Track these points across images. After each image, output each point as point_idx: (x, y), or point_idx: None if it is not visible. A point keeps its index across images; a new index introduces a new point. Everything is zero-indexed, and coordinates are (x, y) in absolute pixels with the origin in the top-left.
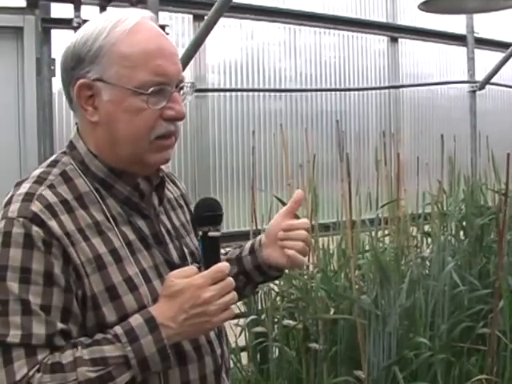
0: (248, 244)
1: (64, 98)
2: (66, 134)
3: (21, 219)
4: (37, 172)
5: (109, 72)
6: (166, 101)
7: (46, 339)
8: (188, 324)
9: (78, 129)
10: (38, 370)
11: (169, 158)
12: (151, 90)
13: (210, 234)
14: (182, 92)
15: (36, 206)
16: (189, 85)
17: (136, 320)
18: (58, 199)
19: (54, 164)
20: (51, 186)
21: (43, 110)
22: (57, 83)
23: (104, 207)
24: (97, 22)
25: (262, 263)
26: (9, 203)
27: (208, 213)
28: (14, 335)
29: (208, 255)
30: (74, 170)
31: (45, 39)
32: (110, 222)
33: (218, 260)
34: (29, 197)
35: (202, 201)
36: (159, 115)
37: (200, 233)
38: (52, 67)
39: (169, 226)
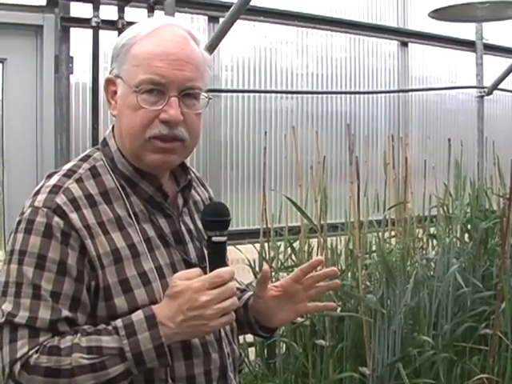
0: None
1: (80, 94)
2: (81, 131)
3: (44, 209)
4: (68, 165)
5: (122, 69)
6: (164, 104)
7: (50, 324)
8: (186, 325)
9: (113, 127)
10: (37, 351)
11: (168, 161)
12: (140, 87)
13: (215, 239)
14: (193, 101)
15: (61, 199)
16: (203, 96)
17: (137, 315)
18: (83, 193)
19: (85, 158)
20: (79, 180)
21: (60, 106)
22: (74, 80)
23: (127, 204)
24: (133, 26)
25: (254, 321)
26: (37, 193)
27: (215, 218)
28: (22, 316)
29: (212, 260)
30: (104, 166)
31: (64, 37)
32: (131, 218)
33: (223, 265)
34: (56, 189)
35: (210, 205)
36: (156, 116)
37: (206, 237)
38: (70, 65)
39: (191, 227)
